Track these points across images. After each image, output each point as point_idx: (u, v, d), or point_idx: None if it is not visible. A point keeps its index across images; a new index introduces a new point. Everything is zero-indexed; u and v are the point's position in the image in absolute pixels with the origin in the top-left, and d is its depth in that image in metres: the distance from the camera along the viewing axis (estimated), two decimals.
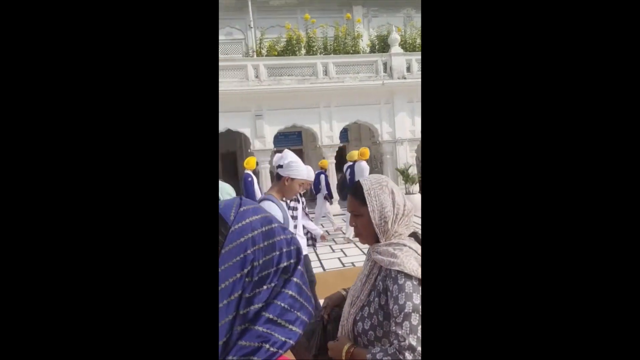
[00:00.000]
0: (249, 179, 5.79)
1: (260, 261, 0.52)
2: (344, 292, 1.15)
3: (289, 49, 9.06)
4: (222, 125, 8.34)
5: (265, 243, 0.54)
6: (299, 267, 0.57)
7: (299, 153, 11.04)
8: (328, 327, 1.10)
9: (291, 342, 0.52)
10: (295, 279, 0.56)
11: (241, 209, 0.55)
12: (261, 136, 8.43)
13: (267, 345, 0.49)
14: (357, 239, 1.04)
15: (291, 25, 9.13)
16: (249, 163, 5.96)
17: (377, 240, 0.95)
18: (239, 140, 11.08)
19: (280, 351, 0.50)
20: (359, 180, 0.99)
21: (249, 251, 0.52)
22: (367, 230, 0.95)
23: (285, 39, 9.14)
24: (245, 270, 0.51)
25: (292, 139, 11.43)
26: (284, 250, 0.55)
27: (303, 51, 9.16)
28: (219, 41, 9.86)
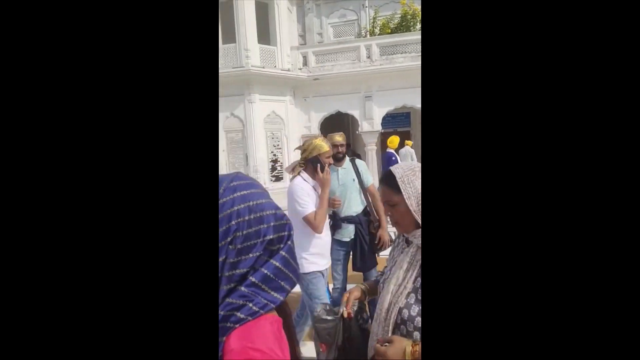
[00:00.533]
0: (393, 157, 5.73)
1: (244, 232, 0.57)
2: (362, 287, 1.15)
3: (404, 25, 8.65)
4: (332, 108, 8.60)
5: (252, 216, 0.58)
6: (289, 242, 0.62)
7: (407, 135, 10.72)
8: (351, 324, 1.06)
9: (272, 305, 0.58)
10: (282, 253, 0.60)
11: (232, 184, 0.60)
12: (369, 118, 8.40)
13: (251, 304, 0.56)
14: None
15: (406, 0, 8.65)
16: (392, 142, 5.87)
17: (418, 226, 0.93)
18: (346, 122, 11.31)
19: (262, 311, 0.57)
20: (390, 169, 0.97)
21: (233, 222, 0.57)
22: (405, 218, 0.94)
23: (399, 15, 8.74)
24: (229, 239, 0.56)
25: (399, 119, 11.07)
26: (272, 224, 0.60)
27: (418, 26, 8.62)
28: (332, 24, 10.07)
